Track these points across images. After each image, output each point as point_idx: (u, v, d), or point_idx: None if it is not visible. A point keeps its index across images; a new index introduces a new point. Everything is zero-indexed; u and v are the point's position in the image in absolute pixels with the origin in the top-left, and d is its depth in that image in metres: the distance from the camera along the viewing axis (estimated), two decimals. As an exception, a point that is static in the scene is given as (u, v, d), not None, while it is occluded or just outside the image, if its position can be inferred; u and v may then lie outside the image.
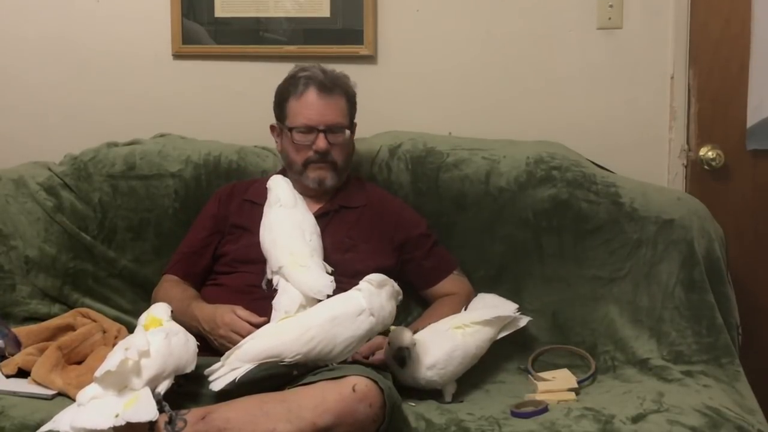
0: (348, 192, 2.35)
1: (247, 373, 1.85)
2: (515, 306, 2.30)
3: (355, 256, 2.21)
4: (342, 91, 2.30)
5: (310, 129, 2.26)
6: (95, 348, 2.18)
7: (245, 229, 2.29)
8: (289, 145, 2.30)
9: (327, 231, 2.22)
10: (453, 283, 2.35)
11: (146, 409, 1.70)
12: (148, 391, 1.76)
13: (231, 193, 2.39)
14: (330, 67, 2.35)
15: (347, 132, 2.30)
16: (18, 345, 2.18)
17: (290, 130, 2.28)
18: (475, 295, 2.35)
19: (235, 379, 1.83)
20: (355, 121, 2.37)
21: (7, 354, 2.17)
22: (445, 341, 2.09)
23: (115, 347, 1.86)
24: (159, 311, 1.94)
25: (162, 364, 1.79)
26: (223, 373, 1.85)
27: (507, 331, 2.25)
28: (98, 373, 1.75)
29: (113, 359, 1.76)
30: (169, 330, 1.87)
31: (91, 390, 1.75)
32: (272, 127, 2.38)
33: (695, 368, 2.23)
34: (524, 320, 2.29)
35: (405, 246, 2.32)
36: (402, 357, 2.01)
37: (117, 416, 1.68)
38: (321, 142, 2.25)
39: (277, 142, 2.38)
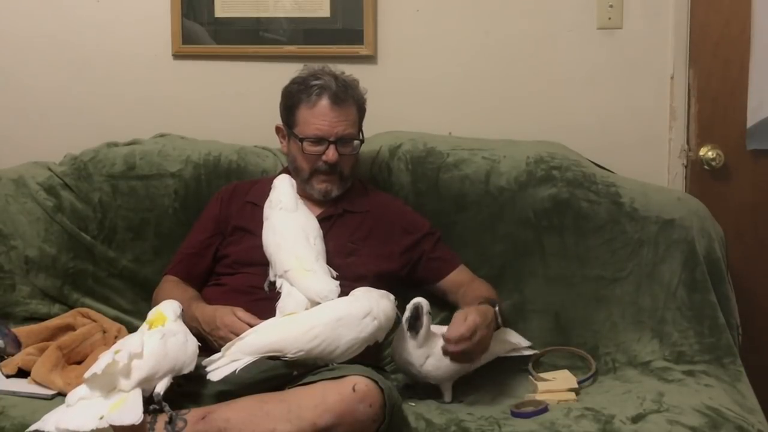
0: (352, 196, 2.34)
1: (248, 371, 1.85)
2: (529, 343, 2.28)
3: (358, 260, 2.21)
4: (354, 99, 2.27)
5: (321, 140, 2.24)
6: (95, 348, 2.18)
7: (247, 230, 2.28)
8: (298, 152, 2.28)
9: (329, 234, 2.22)
10: (465, 273, 2.33)
11: (131, 412, 1.70)
12: (137, 392, 1.75)
13: (232, 194, 2.38)
14: (338, 69, 2.33)
15: (356, 142, 2.28)
16: (18, 345, 2.18)
17: (301, 140, 2.25)
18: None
19: (236, 370, 1.82)
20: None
21: (7, 354, 2.17)
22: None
23: (112, 347, 1.85)
24: (167, 309, 1.94)
25: (155, 365, 1.79)
26: (222, 364, 1.84)
27: (514, 353, 2.24)
28: (87, 374, 1.75)
29: (101, 361, 1.75)
30: (167, 330, 1.87)
31: (80, 391, 1.76)
32: (278, 129, 2.37)
33: (697, 368, 2.23)
34: (530, 351, 2.28)
35: (412, 248, 2.31)
36: (417, 314, 2.01)
37: (101, 418, 1.69)
38: (331, 154, 2.23)
39: (282, 143, 2.37)
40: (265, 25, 2.68)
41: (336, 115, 2.23)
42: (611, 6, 2.60)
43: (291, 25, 2.67)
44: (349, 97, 2.26)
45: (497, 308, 2.13)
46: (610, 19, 2.60)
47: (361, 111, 2.31)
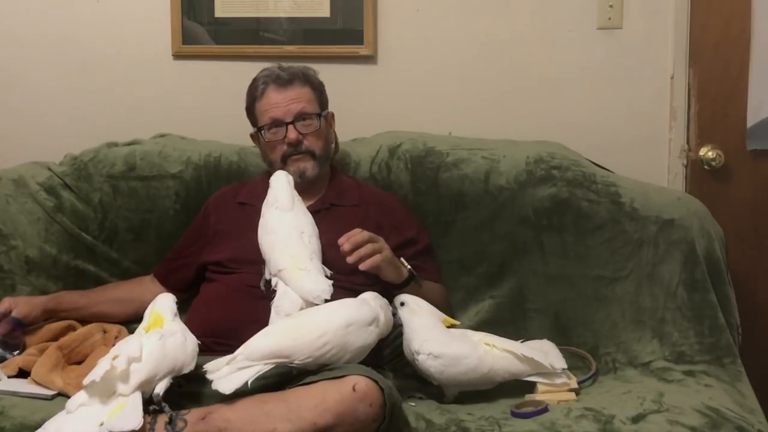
0: (339, 190, 2.35)
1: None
2: (563, 365, 2.15)
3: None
4: (303, 80, 2.31)
5: (278, 123, 2.28)
6: (95, 348, 2.18)
7: (240, 230, 2.28)
8: (266, 146, 2.32)
9: (319, 228, 2.21)
10: (440, 290, 2.33)
11: (130, 418, 1.69)
12: (137, 397, 1.74)
13: (221, 200, 2.39)
14: (304, 63, 2.38)
15: (318, 119, 2.30)
16: (21, 326, 2.18)
17: (260, 130, 2.31)
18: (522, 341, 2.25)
19: (248, 382, 1.79)
20: (331, 111, 2.37)
21: (12, 345, 2.16)
22: (465, 344, 2.07)
23: (111, 351, 1.84)
24: (164, 308, 1.93)
25: (154, 368, 1.78)
26: (229, 373, 1.81)
27: (539, 378, 2.11)
28: (86, 381, 1.75)
29: (100, 368, 1.75)
30: (165, 331, 1.86)
31: (80, 397, 1.75)
32: (252, 136, 2.40)
33: (697, 368, 2.23)
34: (561, 378, 2.13)
35: (398, 247, 2.28)
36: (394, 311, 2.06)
37: (101, 425, 1.68)
38: (291, 134, 2.27)
39: (259, 149, 2.40)
40: (265, 25, 2.68)
41: (285, 96, 2.28)
42: (611, 6, 2.60)
43: (291, 25, 2.67)
44: (295, 78, 2.30)
45: (410, 268, 2.16)
46: (610, 19, 2.61)
47: (319, 91, 2.34)
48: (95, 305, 2.33)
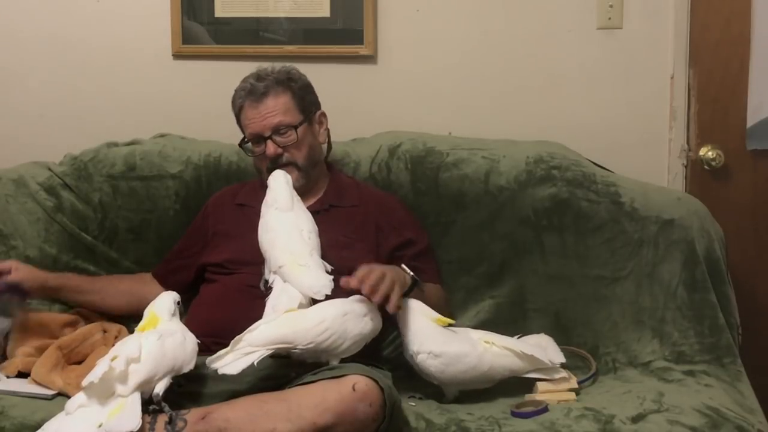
0: (339, 191, 2.35)
1: (248, 369, 1.84)
2: (562, 360, 2.17)
3: (352, 253, 2.20)
4: (281, 88, 2.27)
5: (258, 138, 2.27)
6: (95, 348, 2.18)
7: (240, 231, 2.28)
8: (253, 157, 2.33)
9: (320, 229, 2.21)
10: (439, 291, 2.31)
11: (129, 419, 1.70)
12: (136, 397, 1.74)
13: (221, 201, 2.40)
14: (289, 64, 2.36)
15: (296, 130, 2.27)
16: (24, 295, 2.18)
17: (243, 145, 2.32)
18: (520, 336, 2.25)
19: (254, 362, 1.82)
20: (323, 110, 2.35)
21: (13, 314, 2.17)
22: (465, 343, 2.07)
23: (110, 351, 1.84)
24: (161, 308, 1.93)
25: (153, 368, 1.78)
26: (234, 359, 1.83)
27: (539, 374, 2.12)
28: (85, 382, 1.75)
29: (98, 370, 1.75)
30: (164, 331, 1.86)
31: (79, 398, 1.75)
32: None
33: (697, 368, 2.23)
34: (560, 373, 2.15)
35: (397, 249, 2.29)
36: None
37: (100, 426, 1.69)
38: (270, 149, 2.25)
39: None
40: (265, 25, 2.68)
41: (259, 110, 2.26)
42: (611, 6, 2.60)
43: (291, 25, 2.67)
44: (270, 89, 2.27)
45: (412, 276, 2.11)
46: (610, 19, 2.61)
47: (300, 94, 2.30)
48: (99, 292, 2.34)
